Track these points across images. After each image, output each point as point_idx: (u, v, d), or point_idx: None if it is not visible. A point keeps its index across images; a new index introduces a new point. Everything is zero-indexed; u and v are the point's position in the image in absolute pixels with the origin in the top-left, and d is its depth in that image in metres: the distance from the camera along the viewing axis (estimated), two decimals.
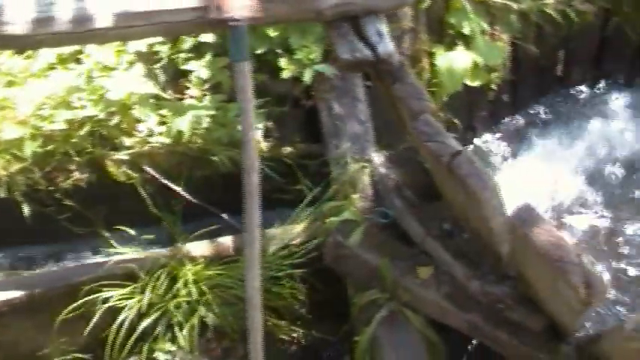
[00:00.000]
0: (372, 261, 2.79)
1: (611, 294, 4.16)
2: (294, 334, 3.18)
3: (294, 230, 3.05)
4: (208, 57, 3.35)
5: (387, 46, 2.50)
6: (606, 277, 4.25)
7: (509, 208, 4.24)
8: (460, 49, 4.10)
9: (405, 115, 2.63)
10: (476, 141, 5.10)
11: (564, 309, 2.21)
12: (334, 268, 2.97)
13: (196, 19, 2.29)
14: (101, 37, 2.31)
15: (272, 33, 3.31)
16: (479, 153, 4.99)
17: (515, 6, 4.25)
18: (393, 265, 2.79)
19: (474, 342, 2.92)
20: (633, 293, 4.20)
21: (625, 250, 4.42)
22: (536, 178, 4.85)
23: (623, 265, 4.35)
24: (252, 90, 2.33)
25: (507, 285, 2.52)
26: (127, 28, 2.25)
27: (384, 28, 2.56)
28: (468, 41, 4.12)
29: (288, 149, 3.52)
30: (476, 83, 4.28)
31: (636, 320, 2.08)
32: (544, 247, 2.13)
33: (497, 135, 5.15)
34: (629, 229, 4.54)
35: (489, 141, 5.12)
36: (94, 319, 2.72)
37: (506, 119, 5.21)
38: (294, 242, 2.99)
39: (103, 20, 2.17)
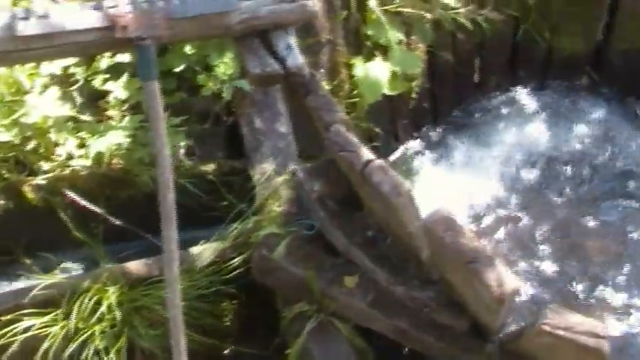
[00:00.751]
0: (299, 273, 2.83)
1: (533, 291, 4.44)
2: (225, 351, 3.22)
3: (221, 247, 3.06)
4: (126, 77, 3.38)
5: (296, 59, 2.57)
6: (526, 275, 4.51)
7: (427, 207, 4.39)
8: (378, 60, 4.24)
9: (319, 126, 2.73)
10: (400, 149, 5.28)
11: (483, 309, 2.32)
12: (262, 282, 3.00)
13: (102, 39, 2.30)
14: (2, 59, 2.32)
15: (190, 50, 3.39)
16: (403, 160, 5.21)
17: (429, 15, 4.43)
18: (319, 276, 2.83)
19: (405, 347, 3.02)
20: (553, 290, 4.47)
21: (542, 248, 4.69)
22: (458, 183, 5.07)
23: (541, 264, 4.63)
24: (162, 109, 2.35)
25: (431, 289, 2.59)
26: (27, 50, 2.25)
27: (293, 41, 2.63)
28: (385, 52, 4.27)
29: (211, 166, 3.55)
30: (395, 92, 4.42)
31: (546, 315, 2.24)
32: (457, 249, 2.23)
33: (420, 142, 5.35)
34: (545, 228, 4.81)
35: (412, 148, 5.31)
36: (13, 350, 2.72)
37: (428, 126, 5.42)
38: (221, 259, 3.03)
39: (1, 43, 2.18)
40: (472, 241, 2.28)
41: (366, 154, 2.54)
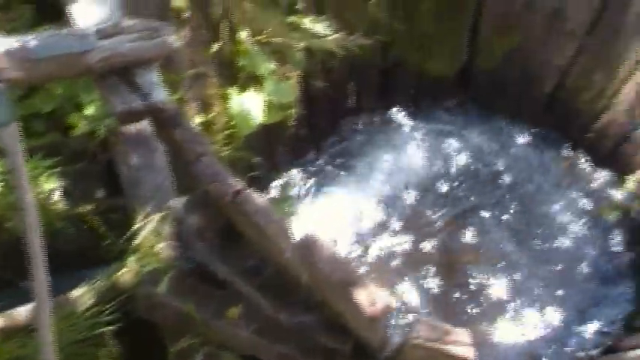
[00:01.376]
0: (183, 307, 2.86)
1: (415, 305, 4.75)
2: None
3: (103, 287, 3.08)
4: None
5: (159, 94, 2.60)
6: (410, 290, 4.83)
7: (323, 233, 4.50)
8: (252, 91, 4.38)
9: (187, 158, 2.78)
10: (280, 177, 5.44)
11: (361, 327, 2.45)
12: (148, 318, 3.02)
13: None
14: None
15: (59, 90, 3.41)
16: (284, 188, 5.40)
17: (300, 43, 4.60)
18: (203, 309, 2.86)
19: None
20: (434, 302, 4.80)
21: (423, 263, 5.01)
22: (340, 208, 5.29)
23: (423, 279, 4.92)
24: (22, 153, 2.28)
25: (314, 313, 2.66)
26: None
27: (155, 77, 2.66)
28: (259, 82, 4.40)
29: (90, 206, 3.54)
30: (271, 122, 4.56)
31: (418, 329, 2.41)
32: (330, 272, 2.33)
33: (300, 169, 5.53)
34: (425, 244, 5.12)
35: (293, 176, 5.49)
36: None
37: (307, 153, 5.61)
38: (103, 299, 3.02)
39: None
40: (343, 264, 2.39)
41: (235, 184, 2.60)
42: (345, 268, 2.40)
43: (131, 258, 3.08)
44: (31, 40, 2.43)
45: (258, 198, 2.60)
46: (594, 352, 4.66)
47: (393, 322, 4.58)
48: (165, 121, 2.73)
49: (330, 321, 2.62)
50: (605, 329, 4.77)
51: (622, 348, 4.45)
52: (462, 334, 2.42)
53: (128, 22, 2.64)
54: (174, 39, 2.74)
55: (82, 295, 3.01)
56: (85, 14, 2.69)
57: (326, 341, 2.64)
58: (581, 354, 4.65)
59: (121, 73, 2.59)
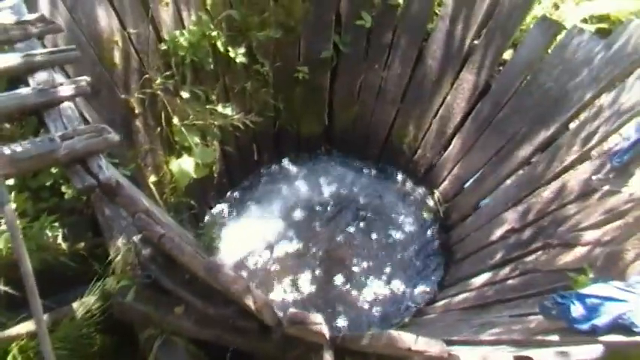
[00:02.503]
0: (144, 309, 2.98)
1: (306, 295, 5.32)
2: None
3: (92, 300, 3.18)
4: None
5: (105, 174, 2.64)
6: (303, 284, 5.38)
7: (237, 257, 4.95)
8: (185, 157, 4.82)
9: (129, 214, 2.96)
10: (211, 211, 5.90)
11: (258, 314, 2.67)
12: (122, 319, 3.11)
13: None
14: None
15: (55, 170, 3.59)
16: (213, 219, 5.85)
17: (215, 122, 5.06)
18: (158, 310, 2.98)
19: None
20: (319, 285, 5.39)
21: (312, 262, 5.58)
22: (253, 229, 5.77)
23: (313, 274, 5.51)
24: (17, 225, 2.45)
25: (231, 307, 2.77)
26: None
27: (103, 162, 2.71)
28: (189, 151, 4.86)
29: (81, 244, 3.64)
30: (200, 176, 4.99)
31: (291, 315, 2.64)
32: (228, 283, 2.54)
33: (224, 205, 6.00)
34: (314, 249, 5.68)
35: (220, 210, 5.96)
36: None
37: (228, 194, 6.07)
38: (93, 307, 3.16)
39: None
40: (236, 278, 2.58)
41: (159, 229, 2.66)
42: (238, 280, 2.55)
43: (109, 279, 3.21)
44: (16, 146, 2.59)
45: (175, 238, 2.66)
46: (422, 305, 5.28)
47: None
48: (109, 192, 2.78)
49: (241, 310, 2.72)
50: (429, 289, 5.42)
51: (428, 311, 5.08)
52: (318, 317, 2.61)
53: (82, 127, 2.75)
54: (114, 136, 2.79)
55: (79, 305, 3.17)
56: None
57: (240, 324, 2.79)
58: (412, 306, 5.27)
59: (80, 161, 2.66)
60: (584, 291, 2.57)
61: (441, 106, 5.63)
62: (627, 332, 2.31)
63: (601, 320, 2.41)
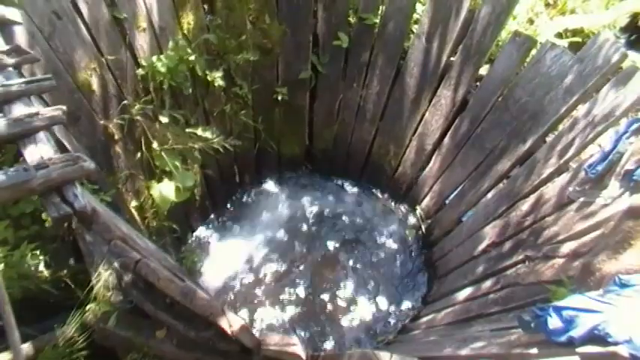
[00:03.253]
0: (126, 334, 2.98)
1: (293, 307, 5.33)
2: None
3: (75, 326, 3.13)
4: None
5: (80, 202, 2.57)
6: (289, 298, 5.40)
7: (221, 279, 4.96)
8: (166, 181, 4.81)
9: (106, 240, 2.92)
10: (194, 234, 5.92)
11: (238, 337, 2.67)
12: (104, 345, 3.09)
13: None
14: None
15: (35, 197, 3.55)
16: (197, 242, 5.87)
17: (196, 146, 5.04)
18: (139, 334, 2.97)
19: None
20: (305, 304, 5.41)
21: (296, 281, 5.63)
22: (237, 250, 5.80)
23: (296, 289, 5.56)
24: None
25: (212, 329, 2.73)
26: None
27: (78, 190, 2.64)
28: (170, 175, 4.85)
29: (64, 271, 3.63)
30: (182, 200, 4.95)
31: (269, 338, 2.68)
32: (203, 308, 2.58)
33: (207, 227, 6.03)
34: (298, 266, 5.75)
35: (203, 231, 5.99)
36: None
37: (210, 216, 6.10)
38: (76, 333, 3.14)
39: None
40: (211, 302, 2.61)
41: (135, 255, 2.67)
42: (212, 305, 2.58)
43: (91, 304, 3.16)
44: None
45: (151, 264, 2.66)
46: (406, 322, 5.32)
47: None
48: (85, 220, 2.71)
49: (222, 334, 2.68)
50: (413, 305, 5.47)
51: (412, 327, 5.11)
52: (294, 339, 2.64)
53: (57, 156, 2.68)
54: (89, 164, 2.71)
55: (61, 333, 3.13)
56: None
57: (221, 346, 2.74)
58: (398, 323, 5.31)
59: (55, 190, 2.59)
60: (561, 303, 2.62)
61: (419, 123, 5.72)
62: (602, 343, 2.35)
63: (577, 332, 2.45)
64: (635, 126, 3.58)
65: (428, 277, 5.69)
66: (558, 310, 2.61)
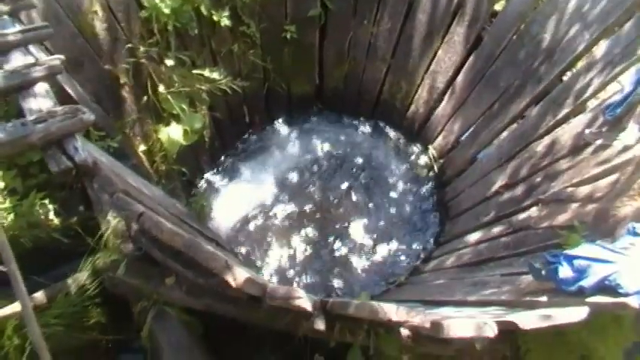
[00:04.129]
0: (136, 282, 3.03)
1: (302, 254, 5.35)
2: (103, 341, 3.39)
3: (85, 275, 3.25)
4: None
5: (81, 156, 2.55)
6: (299, 240, 5.41)
7: (231, 222, 4.97)
8: (174, 124, 4.78)
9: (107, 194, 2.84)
10: (204, 177, 5.91)
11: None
12: (114, 292, 3.16)
13: None
14: None
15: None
16: (208, 184, 5.87)
17: (203, 87, 4.98)
18: (149, 281, 3.02)
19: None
20: (314, 247, 5.43)
21: (306, 222, 5.63)
22: (248, 192, 5.79)
23: (306, 231, 5.56)
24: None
25: (216, 278, 2.64)
26: None
27: (78, 142, 2.60)
28: (178, 118, 4.81)
29: (74, 219, 3.70)
30: (190, 142, 4.95)
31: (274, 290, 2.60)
32: (207, 261, 2.53)
33: (217, 170, 6.02)
34: (309, 208, 5.73)
35: (213, 175, 5.98)
36: None
37: (220, 158, 6.07)
38: (87, 281, 3.24)
39: None
40: (212, 255, 2.55)
41: (138, 208, 2.61)
42: (215, 257, 2.53)
43: (100, 253, 3.25)
44: None
45: (153, 217, 2.61)
46: (418, 263, 5.35)
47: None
48: (86, 173, 2.70)
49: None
50: (425, 246, 5.49)
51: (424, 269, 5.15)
52: (299, 292, 2.59)
53: (56, 108, 2.64)
54: (89, 116, 2.66)
55: (73, 281, 3.25)
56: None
57: (230, 293, 2.70)
58: (409, 264, 5.34)
59: (56, 144, 2.58)
60: (572, 252, 2.60)
61: (432, 60, 5.58)
62: (613, 293, 2.35)
63: (588, 282, 2.45)
64: None
65: (440, 217, 5.68)
66: (570, 259, 2.60)
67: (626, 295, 2.31)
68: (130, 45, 4.41)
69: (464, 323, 2.17)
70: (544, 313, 2.30)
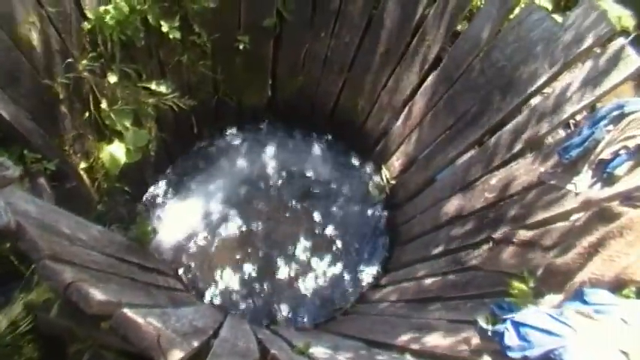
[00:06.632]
0: (69, 324, 2.91)
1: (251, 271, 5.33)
2: None
3: (16, 310, 3.05)
4: None
5: (2, 219, 2.38)
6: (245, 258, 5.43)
7: (177, 238, 4.91)
8: (116, 142, 4.68)
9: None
10: (148, 191, 5.85)
11: None
12: (48, 333, 3.05)
13: None
14: None
15: None
16: (152, 198, 5.81)
17: (149, 101, 4.88)
18: (84, 324, 2.84)
19: None
20: (260, 267, 5.44)
21: (254, 239, 5.65)
22: (193, 211, 5.77)
23: (257, 249, 5.59)
24: None
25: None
26: None
27: (1, 203, 2.45)
28: (120, 135, 4.70)
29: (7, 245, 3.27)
30: (133, 161, 4.84)
31: None
32: (136, 340, 2.35)
33: (163, 183, 5.96)
34: (258, 225, 5.75)
35: (159, 191, 5.92)
36: None
37: (167, 171, 6.01)
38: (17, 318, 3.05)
39: None
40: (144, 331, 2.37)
41: (66, 278, 2.44)
42: (150, 336, 2.33)
43: (34, 290, 3.06)
44: None
45: (83, 287, 2.43)
46: (365, 290, 5.44)
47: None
48: (9, 236, 2.54)
49: None
50: (373, 271, 5.58)
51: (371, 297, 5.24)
52: None
53: None
54: (13, 172, 2.52)
55: (3, 316, 3.01)
56: None
57: None
58: (356, 291, 5.42)
59: None
60: (520, 318, 2.68)
61: (389, 78, 5.59)
62: None
63: (533, 352, 2.53)
64: (615, 113, 3.52)
65: (390, 242, 5.75)
66: (517, 325, 2.68)
67: None
68: (69, 60, 4.26)
69: None
70: None
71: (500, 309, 2.99)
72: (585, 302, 2.70)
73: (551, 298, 3.00)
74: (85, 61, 4.36)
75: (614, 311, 2.58)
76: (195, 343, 2.40)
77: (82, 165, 4.66)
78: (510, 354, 2.62)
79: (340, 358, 3.16)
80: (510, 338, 2.63)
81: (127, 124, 4.66)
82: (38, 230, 2.57)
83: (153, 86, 4.92)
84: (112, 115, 4.55)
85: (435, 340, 3.29)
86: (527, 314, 2.70)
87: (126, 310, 2.21)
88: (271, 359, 2.77)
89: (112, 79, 4.49)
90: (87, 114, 4.54)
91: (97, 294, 2.29)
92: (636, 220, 2.80)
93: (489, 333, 2.81)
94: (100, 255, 3.17)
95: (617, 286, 2.74)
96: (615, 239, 2.83)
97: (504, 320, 2.73)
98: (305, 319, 5.30)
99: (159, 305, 3.14)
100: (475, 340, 2.98)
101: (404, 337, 3.55)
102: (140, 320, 2.19)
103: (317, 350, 3.38)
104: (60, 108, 4.39)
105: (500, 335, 2.69)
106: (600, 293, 2.71)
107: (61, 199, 3.87)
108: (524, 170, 4.17)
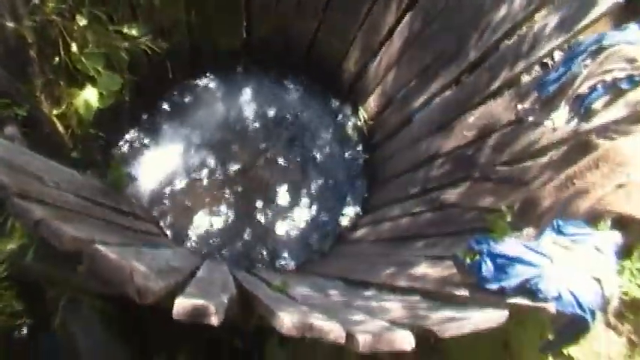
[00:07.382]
0: (45, 269, 2.97)
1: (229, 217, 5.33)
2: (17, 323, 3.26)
3: None
4: None
5: None
6: (221, 205, 5.39)
7: (154, 185, 4.92)
8: (89, 87, 4.56)
9: None
10: (125, 137, 5.77)
11: None
12: (24, 280, 3.05)
13: None
14: None
15: None
16: (129, 145, 5.74)
17: (121, 45, 4.73)
18: (61, 268, 2.92)
19: None
20: (240, 210, 5.44)
21: (233, 183, 5.63)
22: (170, 157, 5.74)
23: (233, 193, 5.57)
24: None
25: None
26: None
27: None
28: (93, 80, 4.58)
29: None
30: (106, 105, 4.73)
31: None
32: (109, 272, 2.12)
33: (139, 129, 5.87)
34: (235, 171, 5.72)
35: (134, 137, 5.82)
36: None
37: (142, 118, 5.91)
38: None
39: None
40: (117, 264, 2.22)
41: (36, 215, 2.25)
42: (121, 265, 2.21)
43: (9, 236, 3.07)
44: None
45: (53, 223, 2.23)
46: (343, 231, 5.49)
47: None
48: None
49: None
50: (352, 212, 5.64)
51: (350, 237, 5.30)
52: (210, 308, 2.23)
53: None
54: None
55: None
56: None
57: None
58: (338, 231, 5.48)
59: None
60: (496, 249, 2.72)
61: (365, 18, 5.48)
62: (532, 297, 2.49)
63: (509, 282, 2.59)
64: (593, 47, 3.50)
65: (368, 183, 5.77)
66: (493, 256, 2.72)
67: (545, 300, 2.46)
68: (36, 1, 4.08)
69: (379, 336, 2.17)
70: (465, 318, 2.40)
71: (478, 243, 3.03)
72: (561, 233, 2.74)
73: (529, 232, 3.03)
74: (52, 4, 4.17)
75: (588, 241, 2.62)
76: (172, 281, 2.32)
77: (55, 112, 4.51)
78: (487, 285, 2.67)
79: (321, 295, 3.18)
80: (487, 269, 2.68)
81: (99, 68, 4.52)
82: (5, 168, 2.47)
83: (125, 29, 4.77)
84: (83, 59, 4.40)
85: (414, 277, 3.34)
86: (504, 246, 2.74)
87: (99, 246, 2.11)
88: (249, 297, 2.77)
89: (82, 22, 4.33)
90: (57, 59, 4.40)
91: (70, 229, 2.20)
92: (612, 151, 2.83)
93: (466, 266, 2.84)
94: (74, 197, 3.07)
95: (593, 216, 2.78)
96: (591, 171, 2.86)
97: (482, 243, 2.77)
98: (285, 262, 5.35)
99: (134, 246, 3.05)
100: (453, 275, 3.02)
101: (383, 275, 3.59)
102: (113, 256, 2.09)
103: (298, 290, 3.42)
104: (29, 52, 4.21)
105: (478, 267, 2.73)
106: (575, 224, 2.75)
107: (34, 146, 3.75)
108: (503, 108, 4.16)
